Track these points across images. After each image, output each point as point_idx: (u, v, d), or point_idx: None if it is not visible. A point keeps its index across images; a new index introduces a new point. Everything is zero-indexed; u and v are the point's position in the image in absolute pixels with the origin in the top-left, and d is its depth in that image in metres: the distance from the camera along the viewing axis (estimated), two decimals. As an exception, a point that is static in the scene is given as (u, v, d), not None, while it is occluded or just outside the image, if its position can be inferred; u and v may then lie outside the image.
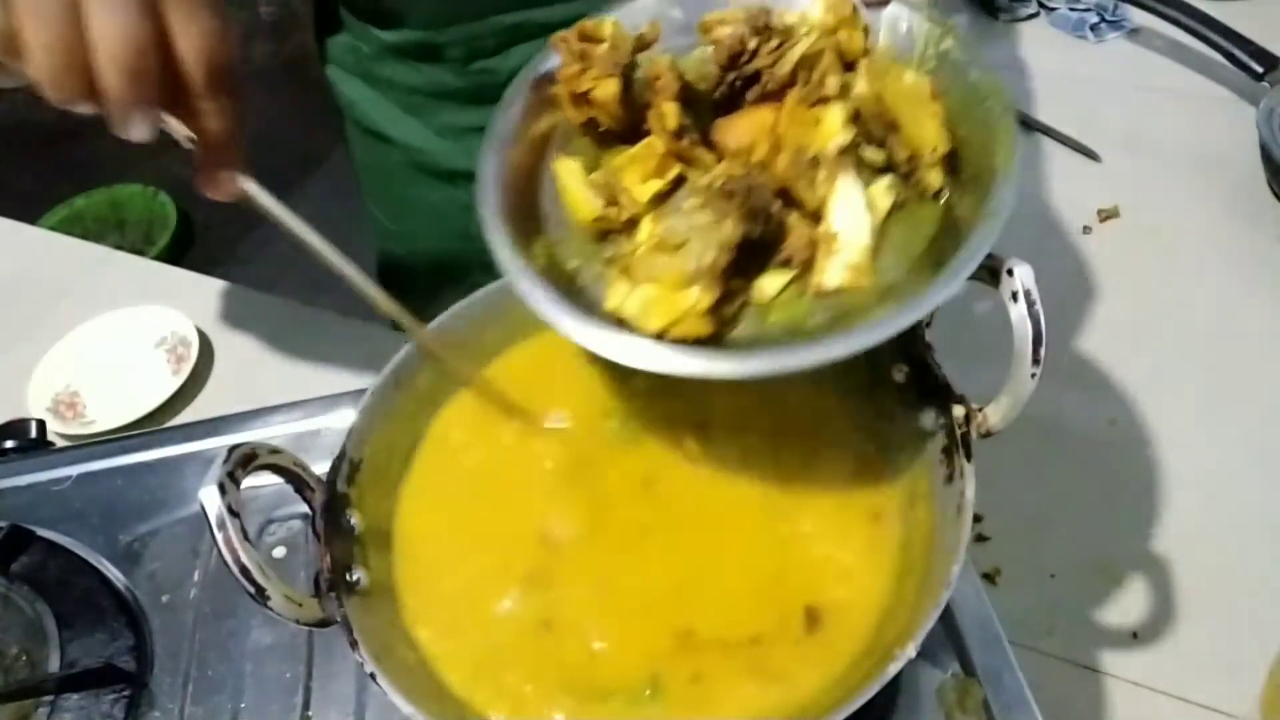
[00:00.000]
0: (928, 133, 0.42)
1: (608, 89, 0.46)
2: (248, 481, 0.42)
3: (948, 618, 0.51)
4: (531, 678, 0.45)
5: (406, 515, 0.51)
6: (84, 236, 1.12)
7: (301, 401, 0.67)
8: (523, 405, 0.53)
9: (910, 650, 0.39)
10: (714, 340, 0.40)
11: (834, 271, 0.41)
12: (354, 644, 0.42)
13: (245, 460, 0.43)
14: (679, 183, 0.46)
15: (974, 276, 0.40)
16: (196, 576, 0.60)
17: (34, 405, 0.77)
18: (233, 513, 0.39)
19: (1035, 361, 0.39)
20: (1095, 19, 1.15)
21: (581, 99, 0.47)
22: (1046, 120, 1.03)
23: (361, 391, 0.51)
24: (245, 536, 0.40)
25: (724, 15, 0.48)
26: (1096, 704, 0.62)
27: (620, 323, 0.41)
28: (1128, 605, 0.66)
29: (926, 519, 0.46)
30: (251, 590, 0.40)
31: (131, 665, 0.55)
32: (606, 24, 0.47)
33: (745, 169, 0.44)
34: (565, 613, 0.47)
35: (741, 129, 0.46)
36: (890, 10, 0.48)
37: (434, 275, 0.80)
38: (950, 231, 0.42)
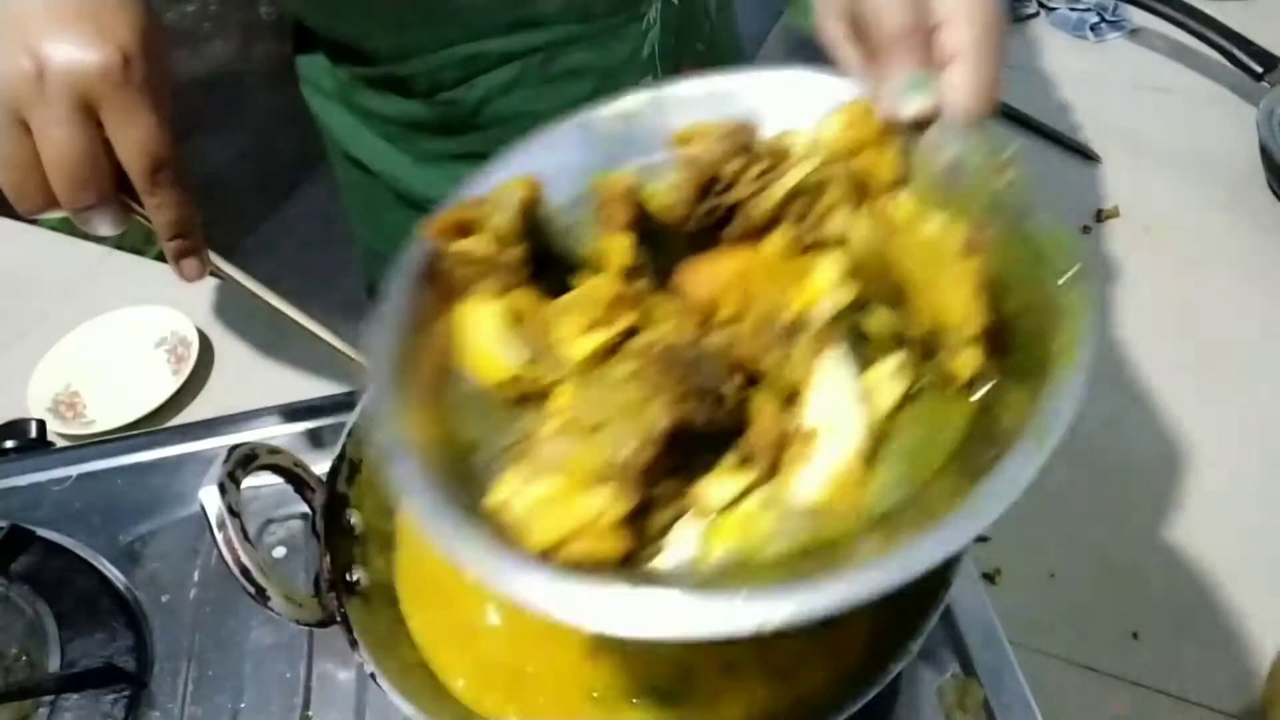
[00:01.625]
0: (955, 303, 0.31)
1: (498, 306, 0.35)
2: (248, 481, 0.42)
3: (948, 618, 0.51)
4: (544, 688, 0.44)
5: (408, 515, 0.51)
6: (84, 236, 1.12)
7: (301, 401, 0.67)
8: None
9: (911, 650, 0.39)
10: (628, 563, 0.30)
11: (809, 482, 0.31)
12: (354, 644, 0.42)
13: (245, 460, 0.43)
14: (631, 335, 0.36)
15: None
16: (196, 576, 0.60)
17: (34, 405, 0.77)
18: (233, 513, 0.40)
19: (1036, 360, 0.39)
20: (1095, 19, 1.15)
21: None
22: (1046, 120, 1.03)
23: (362, 391, 0.51)
24: (245, 536, 0.40)
25: (699, 128, 0.38)
26: (1096, 704, 0.62)
27: (501, 529, 0.31)
28: (1128, 605, 0.66)
29: None
30: (251, 590, 0.40)
31: (131, 665, 0.55)
32: (484, 208, 0.37)
33: (697, 330, 0.34)
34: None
35: (708, 276, 0.36)
36: (931, 136, 0.36)
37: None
38: (984, 444, 0.31)
